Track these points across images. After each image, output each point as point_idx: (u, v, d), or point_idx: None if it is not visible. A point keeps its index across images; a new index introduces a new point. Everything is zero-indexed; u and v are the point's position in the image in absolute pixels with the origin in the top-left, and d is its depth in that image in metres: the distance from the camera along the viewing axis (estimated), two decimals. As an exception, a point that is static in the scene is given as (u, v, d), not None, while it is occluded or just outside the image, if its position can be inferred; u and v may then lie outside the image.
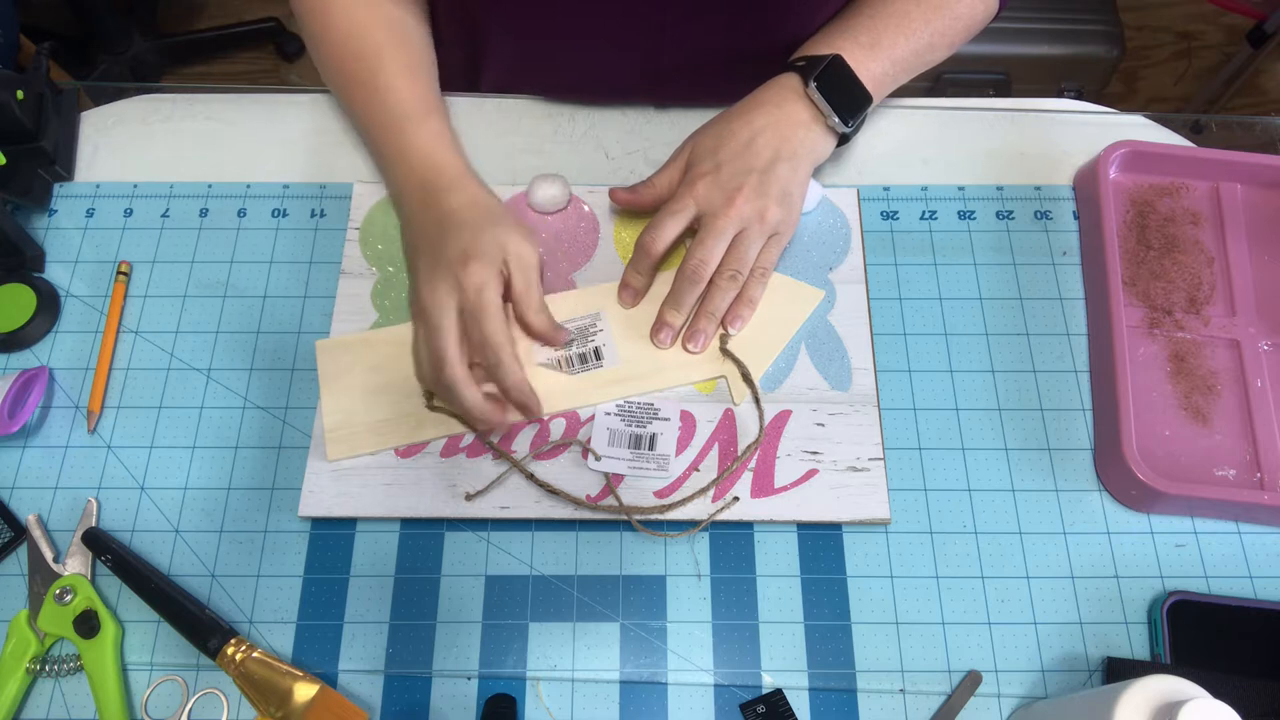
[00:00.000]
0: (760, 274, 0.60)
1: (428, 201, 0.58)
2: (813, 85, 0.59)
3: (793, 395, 0.59)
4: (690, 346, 0.59)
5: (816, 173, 0.66)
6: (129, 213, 0.67)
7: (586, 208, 0.66)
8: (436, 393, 0.56)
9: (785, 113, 0.59)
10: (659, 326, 0.60)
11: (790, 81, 0.60)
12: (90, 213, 0.67)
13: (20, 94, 0.64)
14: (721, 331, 0.60)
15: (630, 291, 0.61)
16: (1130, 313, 0.61)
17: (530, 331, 0.58)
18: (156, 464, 0.58)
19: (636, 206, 0.63)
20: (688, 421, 0.58)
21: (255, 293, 0.64)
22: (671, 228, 0.58)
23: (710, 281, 0.58)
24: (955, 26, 0.64)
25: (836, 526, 0.57)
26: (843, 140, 0.62)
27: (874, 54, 0.60)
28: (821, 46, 0.61)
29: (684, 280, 0.58)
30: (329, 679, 0.52)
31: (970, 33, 0.66)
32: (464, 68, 0.73)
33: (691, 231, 0.60)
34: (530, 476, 0.56)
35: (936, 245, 0.65)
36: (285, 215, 0.66)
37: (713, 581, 0.55)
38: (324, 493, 0.56)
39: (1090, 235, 0.64)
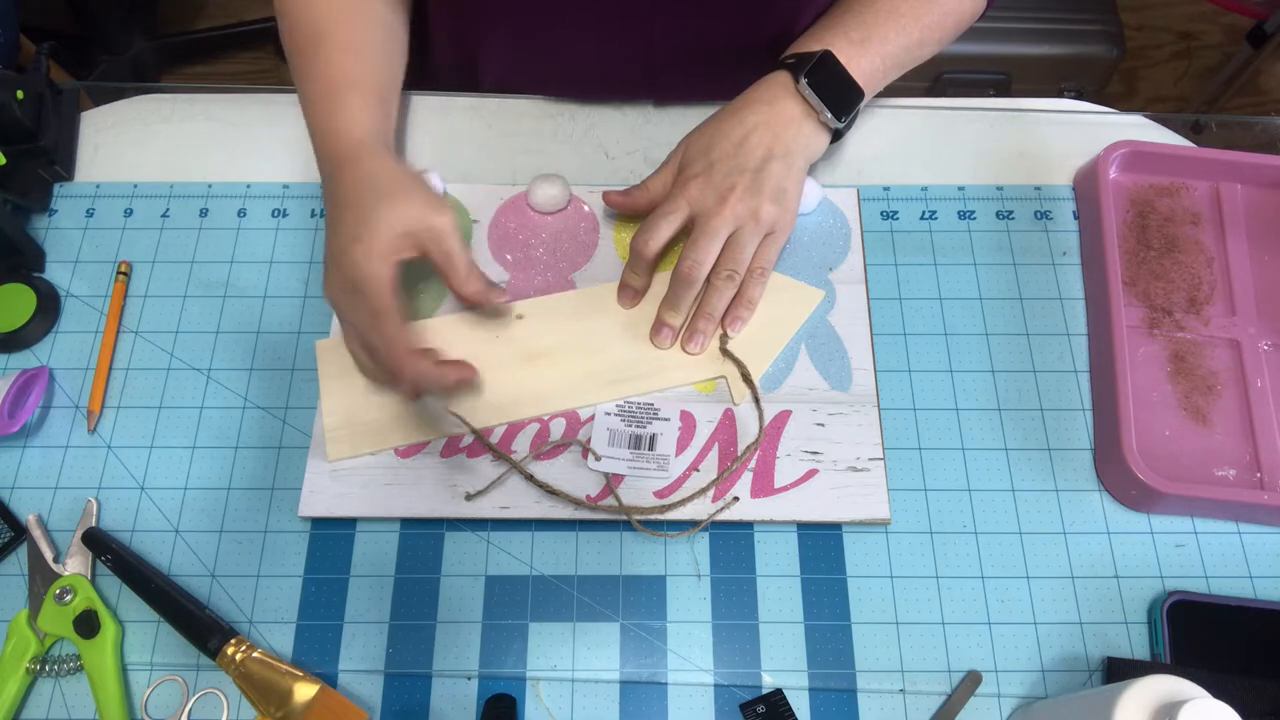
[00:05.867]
0: (758, 274, 0.60)
1: (330, 190, 0.56)
2: (803, 81, 0.59)
3: (793, 395, 0.59)
4: (689, 347, 0.59)
5: (816, 173, 0.66)
6: (129, 213, 0.67)
7: (586, 208, 0.66)
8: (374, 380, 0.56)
9: (777, 110, 0.59)
10: (658, 327, 0.60)
11: (781, 79, 0.60)
12: (90, 213, 0.67)
13: (20, 94, 0.64)
14: (721, 332, 0.60)
15: (629, 292, 0.61)
16: (1130, 313, 0.61)
17: (464, 297, 0.56)
18: (156, 464, 0.58)
19: (630, 209, 0.63)
20: (688, 422, 0.58)
21: (255, 293, 0.64)
22: (664, 229, 0.58)
23: (707, 282, 0.58)
24: (945, 22, 0.64)
25: (836, 526, 0.57)
26: (836, 136, 0.62)
27: (865, 49, 0.60)
28: (812, 43, 0.61)
29: (679, 282, 0.58)
30: (329, 679, 0.52)
31: (960, 28, 0.66)
32: (462, 66, 0.74)
33: (687, 232, 0.60)
34: (530, 477, 0.56)
35: (936, 245, 0.65)
36: (285, 215, 0.66)
37: (713, 581, 0.55)
38: (324, 493, 0.56)
39: (1090, 235, 0.64)
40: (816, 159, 0.62)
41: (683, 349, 0.60)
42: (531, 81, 0.71)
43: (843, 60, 0.59)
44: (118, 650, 0.53)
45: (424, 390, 0.54)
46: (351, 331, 0.55)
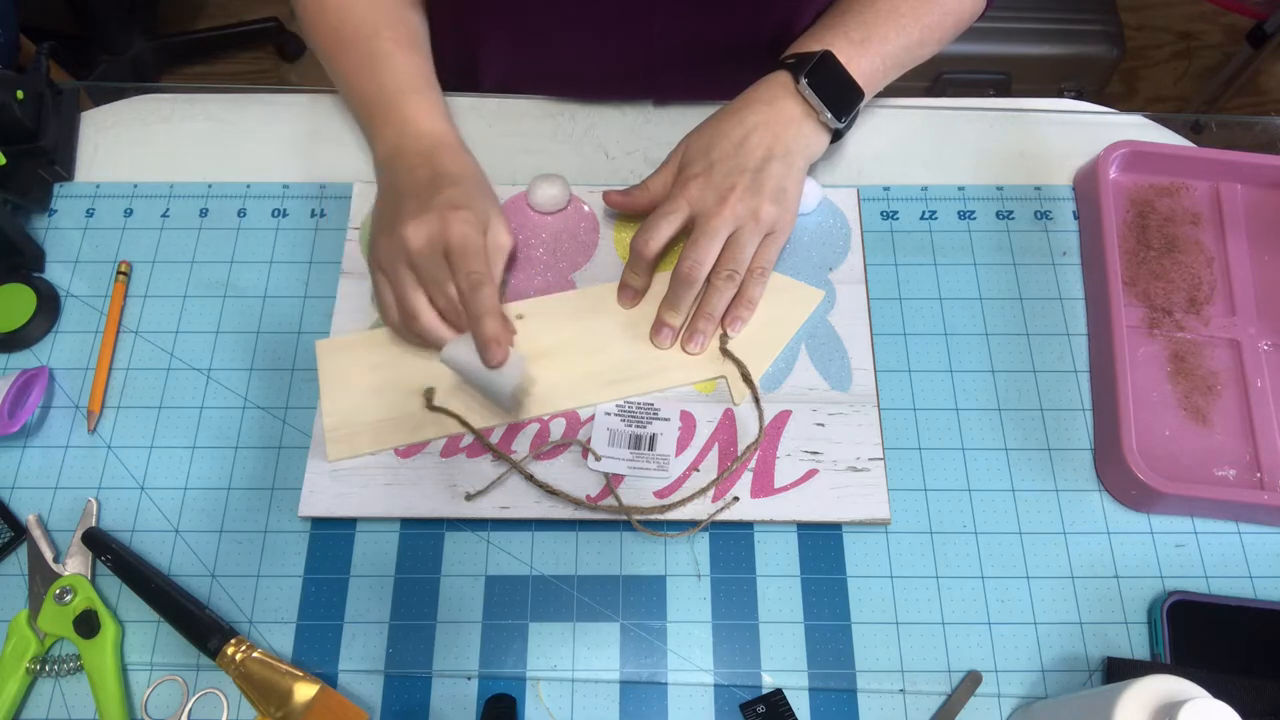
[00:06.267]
0: (758, 273, 0.60)
1: (425, 164, 0.60)
2: (804, 81, 0.59)
3: (793, 395, 0.59)
4: (689, 347, 0.59)
5: (816, 173, 0.66)
6: (129, 213, 0.67)
7: (586, 208, 0.66)
8: (400, 325, 0.58)
9: (777, 110, 0.59)
10: (658, 327, 0.60)
11: (781, 79, 0.60)
12: (90, 213, 0.67)
13: (20, 94, 0.64)
14: (721, 332, 0.60)
15: (629, 292, 0.61)
16: (1130, 313, 0.61)
17: None
18: (156, 464, 0.58)
19: (630, 209, 0.63)
20: (688, 421, 0.58)
21: (255, 293, 0.64)
22: (664, 229, 0.58)
23: (707, 282, 0.58)
24: (945, 22, 0.64)
25: (836, 526, 0.57)
26: (836, 136, 0.62)
27: (865, 49, 0.61)
28: (812, 43, 0.61)
29: (679, 282, 0.58)
30: (329, 679, 0.52)
31: (959, 28, 0.66)
32: (462, 66, 0.74)
33: (687, 232, 0.60)
34: (530, 477, 0.56)
35: (936, 245, 0.65)
36: (285, 215, 0.66)
37: (713, 581, 0.55)
38: (324, 493, 0.56)
39: (1090, 235, 0.64)
40: (816, 159, 0.62)
41: (683, 349, 0.60)
42: (532, 81, 0.71)
43: (843, 60, 0.59)
44: (118, 650, 0.53)
45: (493, 357, 0.54)
46: (411, 288, 0.56)
